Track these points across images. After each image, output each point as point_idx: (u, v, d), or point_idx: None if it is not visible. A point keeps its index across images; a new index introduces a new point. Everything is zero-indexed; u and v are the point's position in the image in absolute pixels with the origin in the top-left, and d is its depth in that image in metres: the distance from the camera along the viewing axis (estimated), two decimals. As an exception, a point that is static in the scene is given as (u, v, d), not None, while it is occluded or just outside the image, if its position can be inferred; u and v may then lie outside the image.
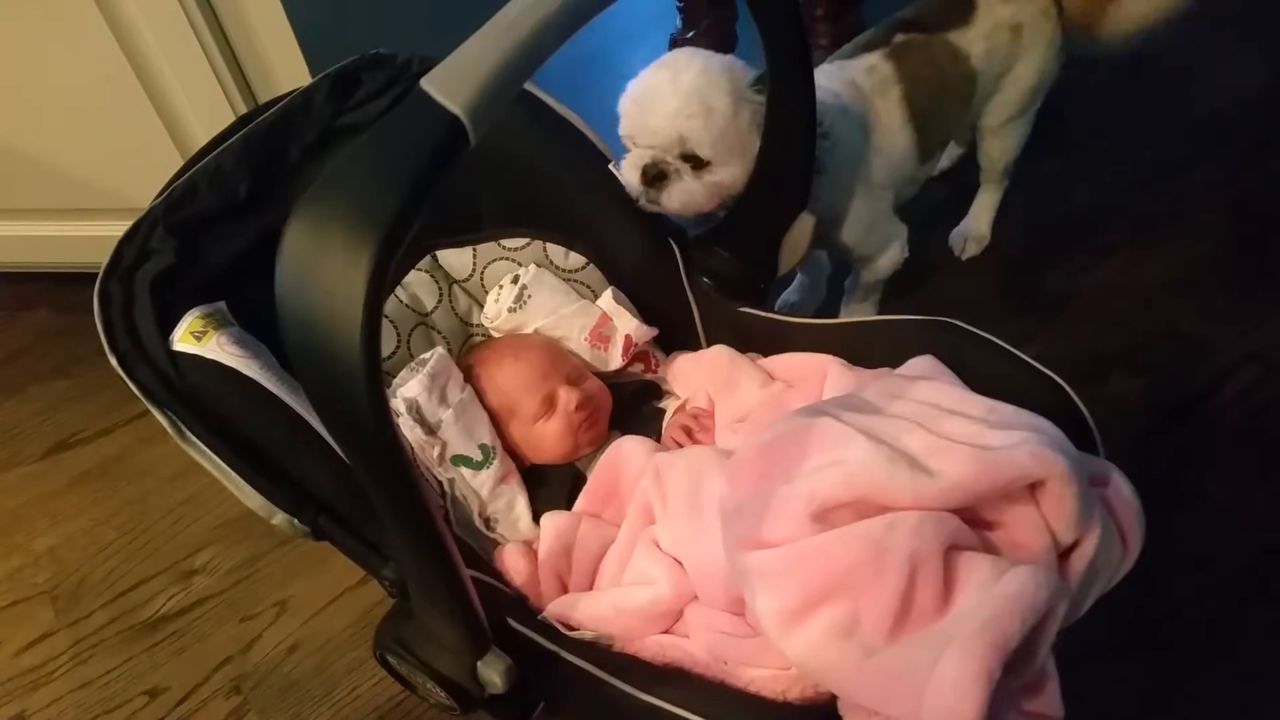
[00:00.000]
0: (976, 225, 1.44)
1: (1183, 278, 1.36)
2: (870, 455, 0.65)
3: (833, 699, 0.65)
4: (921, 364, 0.80)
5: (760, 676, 0.69)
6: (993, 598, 0.58)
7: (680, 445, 0.90)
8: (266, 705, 1.09)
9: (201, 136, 0.94)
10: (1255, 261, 1.37)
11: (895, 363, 0.82)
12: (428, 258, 0.99)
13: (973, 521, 0.65)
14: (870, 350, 0.87)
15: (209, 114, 1.26)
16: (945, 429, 0.67)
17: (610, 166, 0.99)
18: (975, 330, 0.83)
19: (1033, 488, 0.64)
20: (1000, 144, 1.32)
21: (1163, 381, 1.25)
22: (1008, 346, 0.81)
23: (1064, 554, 0.65)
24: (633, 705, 0.70)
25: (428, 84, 0.49)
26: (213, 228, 0.87)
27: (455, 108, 0.48)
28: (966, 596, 0.60)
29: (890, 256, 1.22)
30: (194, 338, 0.80)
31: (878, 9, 1.64)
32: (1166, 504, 1.09)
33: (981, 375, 0.78)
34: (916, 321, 0.86)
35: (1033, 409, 0.70)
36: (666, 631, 0.76)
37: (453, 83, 0.49)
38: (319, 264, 0.46)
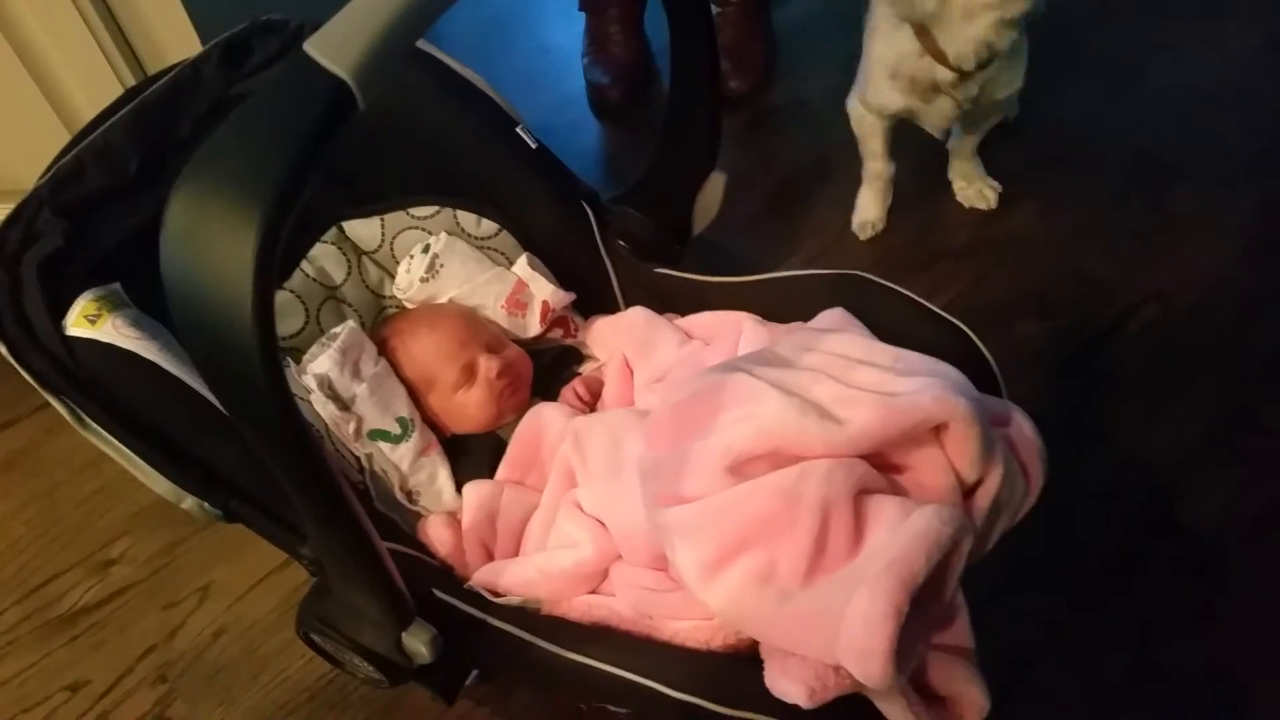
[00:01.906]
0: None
1: (1086, 223, 1.41)
2: (782, 407, 0.66)
3: (754, 645, 0.67)
4: (832, 317, 0.82)
5: (684, 629, 0.70)
6: (900, 537, 0.60)
7: (579, 405, 0.91)
8: (194, 692, 1.07)
9: (88, 111, 0.90)
10: (1152, 205, 1.42)
11: (808, 316, 0.84)
12: (334, 229, 0.97)
13: (881, 466, 0.67)
14: (784, 305, 0.88)
15: (94, 87, 1.20)
16: (854, 378, 0.69)
17: (518, 130, 0.98)
18: (883, 282, 0.84)
19: (937, 430, 0.66)
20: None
21: (1068, 323, 1.29)
22: (914, 296, 0.83)
23: (969, 492, 0.68)
24: (562, 665, 0.70)
25: (311, 47, 0.47)
26: (103, 207, 0.84)
27: (341, 71, 0.46)
28: (876, 537, 0.62)
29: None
30: (88, 321, 0.77)
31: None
32: (1072, 441, 1.14)
33: (889, 325, 0.80)
34: (828, 276, 0.87)
35: (938, 355, 0.72)
36: (593, 592, 0.77)
37: (337, 45, 0.47)
38: (204, 237, 0.45)
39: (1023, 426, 0.73)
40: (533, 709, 1.00)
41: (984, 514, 0.67)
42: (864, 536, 0.62)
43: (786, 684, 0.61)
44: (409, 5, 0.49)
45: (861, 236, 1.43)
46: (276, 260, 0.45)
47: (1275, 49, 1.60)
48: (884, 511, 0.63)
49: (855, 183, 1.44)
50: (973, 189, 1.45)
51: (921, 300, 0.83)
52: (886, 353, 0.72)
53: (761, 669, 0.64)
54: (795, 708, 0.62)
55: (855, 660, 0.58)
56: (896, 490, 0.66)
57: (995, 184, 1.45)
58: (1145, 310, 1.30)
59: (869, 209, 1.42)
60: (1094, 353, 1.26)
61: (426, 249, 0.96)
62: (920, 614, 0.62)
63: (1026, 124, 1.53)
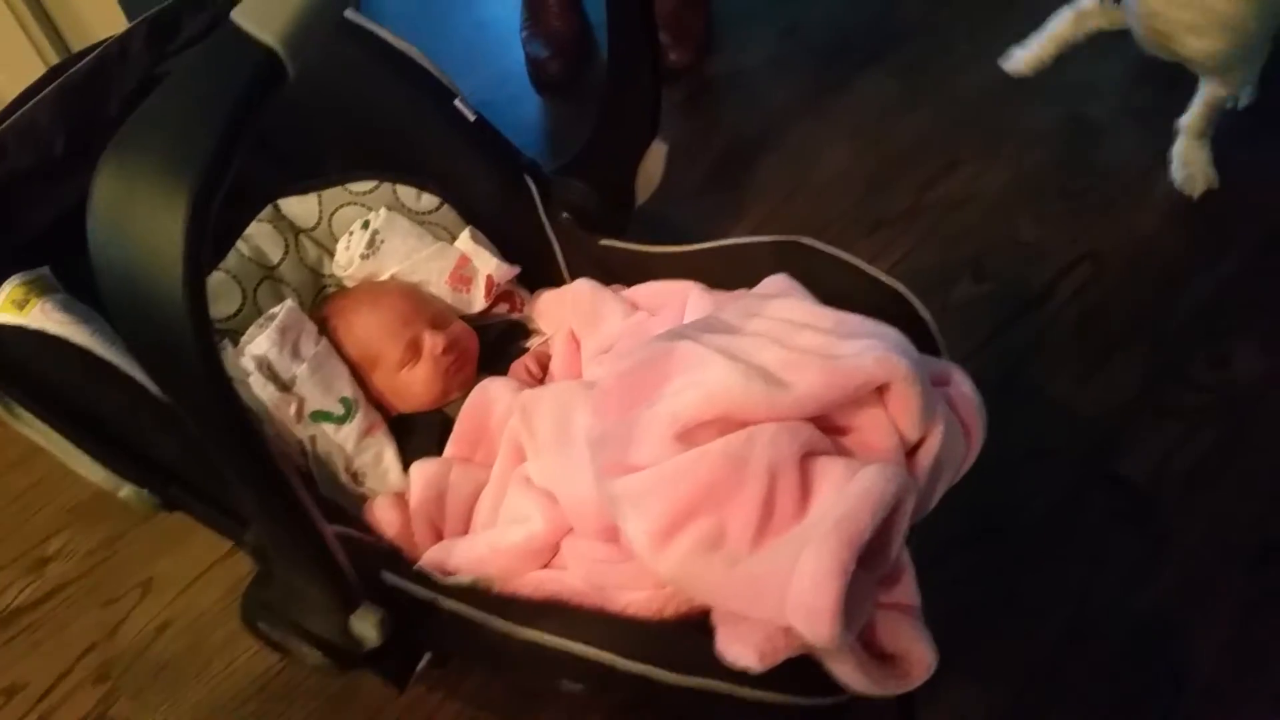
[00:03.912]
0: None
1: (1020, 186, 1.43)
2: (728, 374, 0.66)
3: (706, 611, 0.68)
4: (776, 282, 0.82)
5: (637, 599, 0.70)
6: (845, 496, 0.61)
7: (528, 379, 0.91)
8: (139, 688, 1.05)
9: (10, 90, 0.87)
10: (1083, 167, 1.45)
11: (751, 283, 0.84)
12: (269, 208, 0.95)
13: (826, 428, 0.68)
14: (728, 272, 0.89)
15: (16, 65, 1.16)
16: (797, 343, 0.69)
17: (457, 103, 0.96)
18: (825, 247, 0.85)
19: (880, 391, 0.67)
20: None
21: (1004, 285, 1.32)
22: (856, 261, 0.84)
23: (911, 451, 0.69)
24: (514, 643, 0.70)
25: (238, 15, 0.46)
26: (28, 188, 0.82)
27: (269, 39, 0.45)
28: (822, 498, 0.63)
29: None
30: (15, 307, 0.75)
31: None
32: (1011, 399, 1.16)
33: (831, 289, 0.80)
34: (771, 243, 0.88)
35: (879, 318, 0.73)
36: (545, 566, 0.76)
37: (265, 12, 0.46)
38: (132, 215, 0.44)
39: (962, 385, 0.74)
40: (485, 692, 1.00)
41: (926, 472, 0.68)
42: (811, 498, 0.63)
43: (738, 648, 0.62)
44: (337, -29, 0.48)
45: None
46: (207, 235, 0.44)
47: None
48: (830, 472, 0.64)
49: (795, 148, 1.44)
50: (1184, 171, 1.40)
51: (862, 264, 0.84)
52: (829, 317, 0.73)
53: (713, 635, 0.65)
54: (747, 673, 0.63)
55: (804, 620, 0.58)
56: (841, 451, 0.67)
57: (1213, 173, 1.40)
58: (1078, 271, 1.33)
59: None
60: (1029, 313, 1.29)
61: (366, 225, 0.95)
62: (867, 573, 0.63)
63: (964, 87, 1.55)
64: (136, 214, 0.44)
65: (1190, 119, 1.39)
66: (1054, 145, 1.48)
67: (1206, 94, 1.35)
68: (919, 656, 0.66)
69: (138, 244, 0.44)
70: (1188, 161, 1.40)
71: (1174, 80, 1.39)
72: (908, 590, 0.68)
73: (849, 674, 0.63)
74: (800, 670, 0.64)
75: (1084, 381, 1.21)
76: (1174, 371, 1.22)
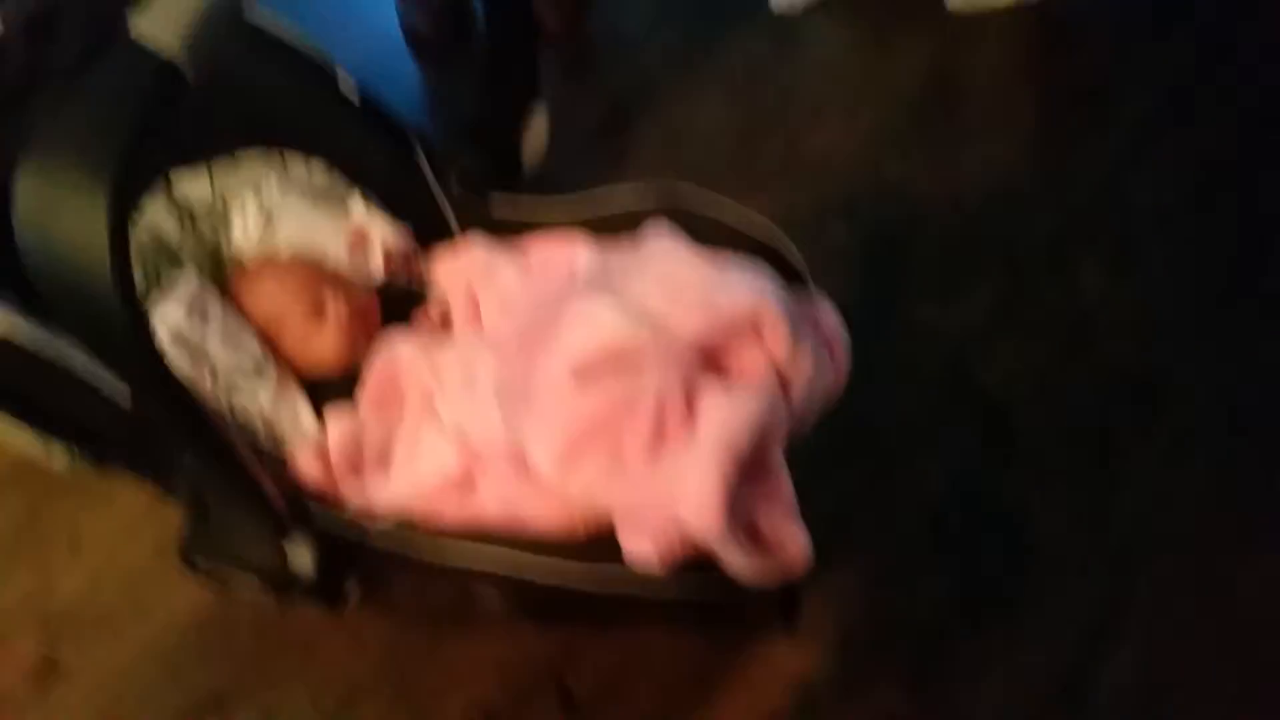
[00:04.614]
0: None
1: (884, 132, 1.54)
2: (617, 319, 0.74)
3: (613, 530, 0.75)
4: (656, 229, 0.89)
5: (549, 522, 0.78)
6: (725, 418, 0.70)
7: (433, 333, 0.96)
8: (80, 644, 1.08)
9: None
10: (943, 112, 1.57)
11: (634, 230, 0.91)
12: (163, 195, 0.97)
13: (708, 360, 0.76)
14: (612, 222, 0.96)
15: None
16: (678, 287, 0.77)
17: (337, 74, 0.99)
18: (703, 193, 0.93)
19: (753, 326, 0.76)
20: None
21: (871, 225, 1.42)
22: (731, 203, 0.92)
23: (785, 379, 0.78)
24: (439, 569, 0.78)
25: (136, 28, 0.50)
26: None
27: (168, 51, 0.50)
28: (706, 420, 0.71)
29: None
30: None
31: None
32: (878, 326, 1.27)
33: (708, 234, 0.88)
34: (650, 188, 0.95)
35: (753, 259, 0.81)
36: (463, 502, 0.83)
37: (162, 25, 0.50)
38: (58, 218, 0.50)
39: (829, 318, 0.84)
40: (415, 618, 1.06)
41: (799, 396, 0.77)
42: (696, 420, 0.71)
43: (640, 550, 0.71)
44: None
45: None
46: (127, 227, 0.50)
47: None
48: (712, 398, 0.72)
49: (673, 104, 1.51)
50: None
51: (737, 208, 0.92)
52: (706, 260, 0.81)
53: (619, 547, 0.73)
54: (652, 576, 0.71)
55: (694, 517, 0.67)
56: (722, 380, 0.75)
57: None
58: (937, 209, 1.44)
59: None
60: (894, 249, 1.40)
61: (259, 202, 0.98)
62: (748, 485, 0.72)
63: (829, 42, 1.65)
64: (63, 216, 0.50)
65: None
66: (915, 94, 1.59)
67: None
68: (798, 546, 0.75)
69: (68, 246, 0.50)
70: None
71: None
72: (785, 493, 0.77)
73: (738, 560, 0.72)
74: (698, 570, 0.72)
75: (945, 306, 1.33)
76: (1022, 291, 1.35)
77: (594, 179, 1.44)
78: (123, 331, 0.50)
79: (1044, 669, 1.04)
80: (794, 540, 0.75)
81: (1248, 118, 1.52)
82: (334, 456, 0.85)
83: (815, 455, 0.82)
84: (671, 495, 0.68)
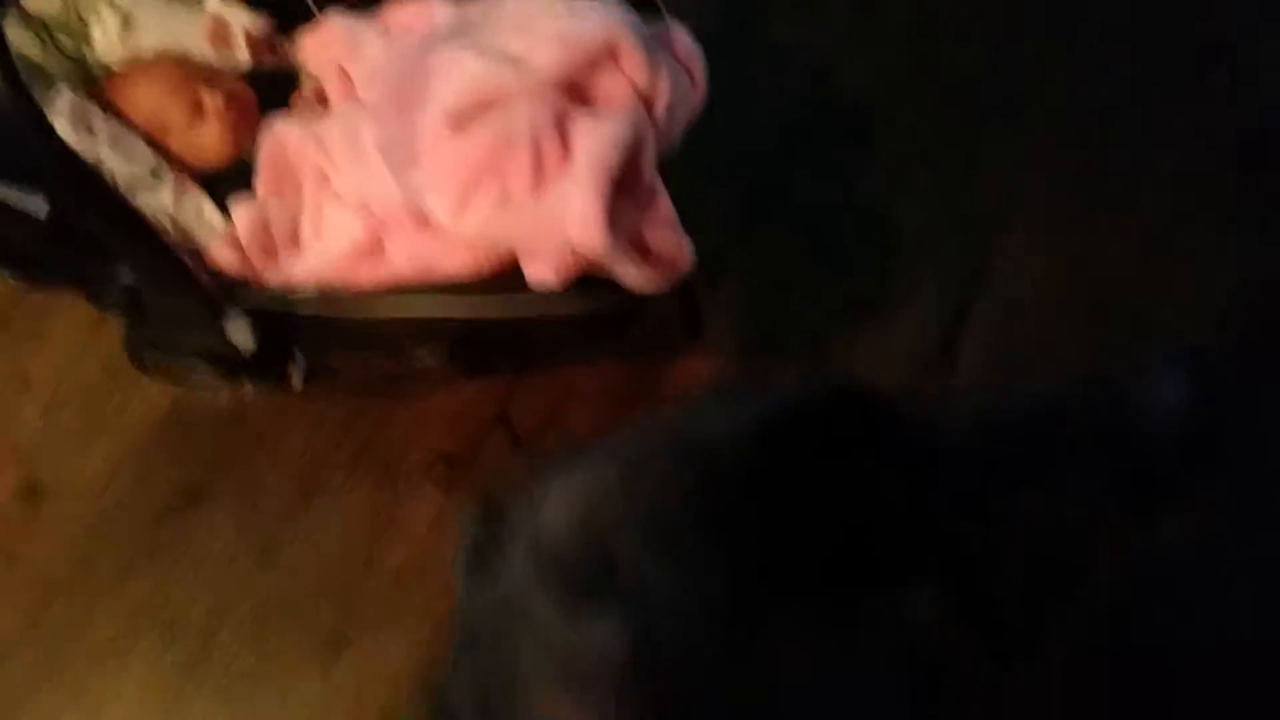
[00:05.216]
0: None
1: None
2: (481, 64, 0.79)
3: (515, 259, 0.84)
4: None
5: (456, 267, 0.86)
6: (595, 141, 0.77)
7: (313, 112, 0.98)
8: (54, 465, 1.14)
9: None
10: None
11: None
12: (15, 15, 0.94)
13: (574, 94, 0.82)
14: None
15: None
16: (535, 26, 0.82)
17: None
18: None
19: (612, 55, 0.81)
20: None
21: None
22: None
23: (648, 101, 0.84)
24: (369, 329, 0.86)
25: None
26: None
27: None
28: (579, 146, 0.78)
29: None
30: None
31: None
32: (733, 47, 1.30)
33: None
34: None
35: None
36: (376, 265, 0.90)
37: None
38: None
39: (684, 39, 0.90)
40: (360, 391, 1.15)
41: (662, 114, 0.84)
42: (570, 148, 0.79)
43: (539, 272, 0.80)
44: None
45: None
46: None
47: None
48: (582, 126, 0.79)
49: None
50: None
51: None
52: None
53: (524, 277, 0.82)
54: (556, 295, 0.81)
55: (582, 235, 0.76)
56: (589, 109, 0.82)
57: None
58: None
59: None
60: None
61: (113, 5, 0.97)
62: (627, 196, 0.81)
63: None
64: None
65: None
66: None
67: None
68: (680, 253, 0.85)
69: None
70: None
71: None
72: (664, 207, 0.85)
73: (631, 275, 0.81)
74: (595, 283, 0.82)
75: (794, 21, 1.37)
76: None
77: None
78: (30, 129, 0.54)
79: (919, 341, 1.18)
80: (678, 247, 0.84)
81: None
82: (245, 242, 0.90)
83: (683, 176, 0.90)
84: (559, 219, 0.76)
